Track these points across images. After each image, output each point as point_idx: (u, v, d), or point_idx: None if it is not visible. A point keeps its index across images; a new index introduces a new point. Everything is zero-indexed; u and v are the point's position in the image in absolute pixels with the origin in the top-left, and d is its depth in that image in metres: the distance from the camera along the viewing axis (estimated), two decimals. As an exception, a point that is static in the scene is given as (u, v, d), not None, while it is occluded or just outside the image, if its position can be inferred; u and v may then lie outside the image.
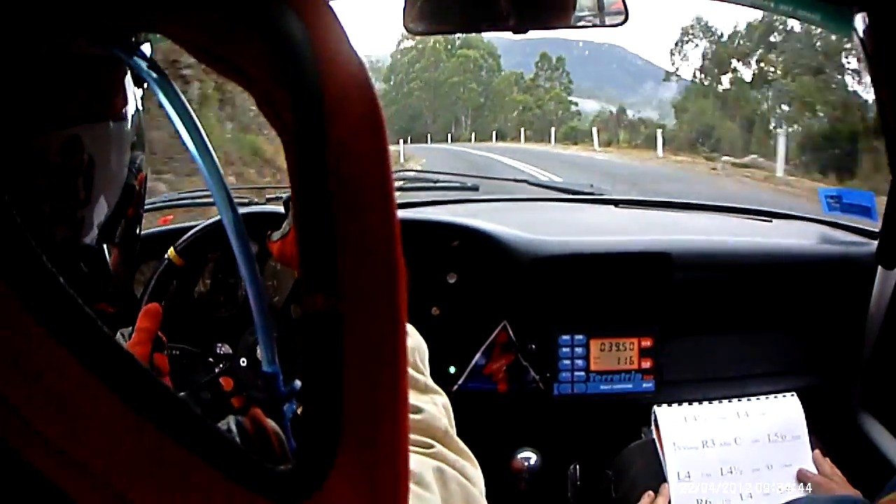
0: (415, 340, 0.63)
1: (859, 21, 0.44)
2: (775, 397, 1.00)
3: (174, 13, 0.25)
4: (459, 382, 1.13)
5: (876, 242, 1.01)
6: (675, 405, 0.99)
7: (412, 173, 1.84)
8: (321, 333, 0.24)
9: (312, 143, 0.24)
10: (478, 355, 1.13)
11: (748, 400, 0.99)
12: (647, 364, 1.13)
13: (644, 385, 1.13)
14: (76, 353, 0.20)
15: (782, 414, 0.97)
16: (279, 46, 0.24)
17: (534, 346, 1.14)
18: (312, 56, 0.24)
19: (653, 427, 0.99)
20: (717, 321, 1.18)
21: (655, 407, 0.99)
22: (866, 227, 1.24)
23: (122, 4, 0.26)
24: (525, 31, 0.90)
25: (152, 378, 0.22)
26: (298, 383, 0.26)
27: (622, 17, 0.91)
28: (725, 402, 0.99)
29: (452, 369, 1.13)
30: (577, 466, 1.15)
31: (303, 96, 0.24)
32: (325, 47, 0.24)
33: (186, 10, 0.25)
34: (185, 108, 0.33)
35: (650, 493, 0.90)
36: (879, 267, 1.07)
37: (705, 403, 0.99)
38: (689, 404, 0.99)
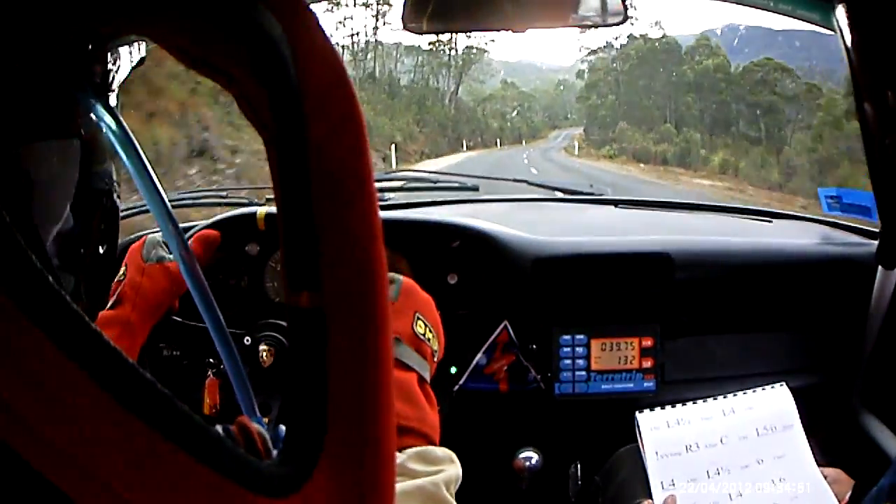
0: (457, 470, 0.62)
1: (839, 13, 0.43)
2: (763, 389, 0.96)
3: (154, 16, 0.25)
4: (461, 382, 1.13)
5: (876, 242, 1.01)
6: (657, 409, 0.96)
7: (412, 173, 1.84)
8: (305, 330, 0.24)
9: (293, 143, 0.24)
10: (479, 355, 1.13)
11: (734, 395, 0.96)
12: (647, 363, 1.13)
13: (645, 384, 1.13)
14: (68, 352, 0.21)
15: (770, 405, 0.94)
16: (257, 47, 0.24)
17: (535, 346, 1.14)
18: (291, 56, 0.24)
19: (637, 433, 0.96)
20: (718, 321, 1.18)
21: (637, 413, 0.96)
22: (866, 227, 1.24)
23: (104, 8, 0.26)
24: (525, 30, 0.90)
25: (142, 376, 0.22)
26: (283, 428, 0.27)
27: (621, 17, 0.91)
28: (710, 399, 0.96)
29: (453, 369, 1.13)
30: (579, 466, 1.15)
31: (282, 96, 0.24)
32: (304, 48, 0.24)
33: (166, 13, 0.25)
34: (125, 132, 0.33)
35: (636, 502, 0.88)
36: (879, 267, 1.07)
37: (689, 404, 0.96)
38: (673, 406, 0.96)
